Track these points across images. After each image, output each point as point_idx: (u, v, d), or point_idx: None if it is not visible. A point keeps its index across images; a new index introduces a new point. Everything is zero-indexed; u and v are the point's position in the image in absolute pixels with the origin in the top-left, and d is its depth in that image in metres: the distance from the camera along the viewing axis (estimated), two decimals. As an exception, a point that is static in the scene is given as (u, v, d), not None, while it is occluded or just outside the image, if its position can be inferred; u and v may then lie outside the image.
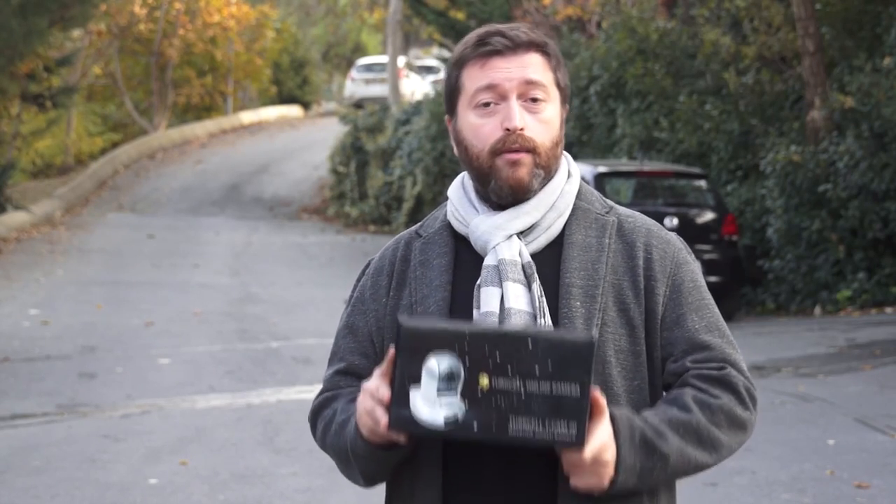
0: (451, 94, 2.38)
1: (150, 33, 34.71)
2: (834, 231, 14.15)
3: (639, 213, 2.43)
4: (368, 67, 39.41)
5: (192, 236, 21.80)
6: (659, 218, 13.34)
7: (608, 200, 2.44)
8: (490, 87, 2.32)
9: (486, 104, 2.32)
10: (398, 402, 2.14)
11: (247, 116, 39.27)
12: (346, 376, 2.42)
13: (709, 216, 14.12)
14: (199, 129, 36.28)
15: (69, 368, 11.18)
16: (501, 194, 2.33)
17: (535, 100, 2.32)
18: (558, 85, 2.36)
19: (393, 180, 23.89)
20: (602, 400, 2.16)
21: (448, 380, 2.12)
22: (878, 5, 15.27)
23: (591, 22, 21.83)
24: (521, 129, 2.30)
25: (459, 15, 24.07)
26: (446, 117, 2.42)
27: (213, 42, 36.36)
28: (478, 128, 2.33)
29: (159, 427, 8.94)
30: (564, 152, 2.43)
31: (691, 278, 2.37)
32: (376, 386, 2.18)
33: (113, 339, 12.59)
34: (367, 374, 2.36)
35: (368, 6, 43.59)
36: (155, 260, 18.86)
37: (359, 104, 36.15)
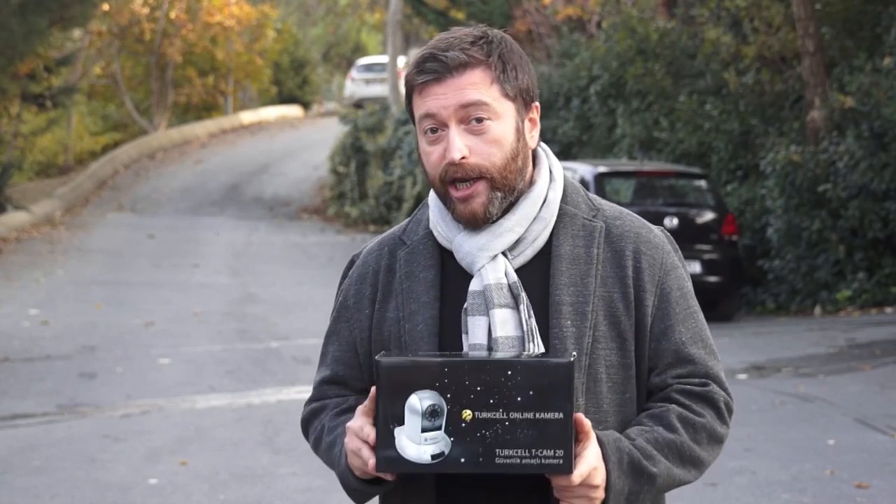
0: (410, 115, 2.34)
1: (151, 33, 34.71)
2: (834, 231, 14.14)
3: (626, 213, 2.38)
4: (368, 67, 39.42)
5: (192, 236, 21.80)
6: (659, 218, 13.34)
7: (594, 199, 2.38)
8: (429, 116, 2.26)
9: (434, 130, 2.26)
10: (383, 444, 2.14)
11: (247, 116, 39.27)
12: (332, 385, 2.44)
13: (709, 216, 14.11)
14: (199, 129, 36.28)
15: (69, 368, 11.17)
16: (462, 224, 2.30)
17: (479, 119, 2.24)
18: (507, 95, 2.26)
19: (393, 180, 23.89)
20: (587, 423, 2.15)
21: (431, 416, 2.12)
22: (878, 5, 15.27)
23: (591, 22, 21.84)
24: (463, 159, 2.24)
25: (459, 15, 24.06)
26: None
27: (213, 42, 36.35)
28: (428, 155, 2.28)
29: (159, 427, 8.94)
30: (544, 147, 2.37)
31: (678, 286, 2.35)
32: (360, 426, 2.19)
33: (113, 339, 12.59)
34: (351, 383, 2.41)
35: (368, 6, 43.59)
36: (155, 260, 18.86)
37: (359, 104, 36.15)
